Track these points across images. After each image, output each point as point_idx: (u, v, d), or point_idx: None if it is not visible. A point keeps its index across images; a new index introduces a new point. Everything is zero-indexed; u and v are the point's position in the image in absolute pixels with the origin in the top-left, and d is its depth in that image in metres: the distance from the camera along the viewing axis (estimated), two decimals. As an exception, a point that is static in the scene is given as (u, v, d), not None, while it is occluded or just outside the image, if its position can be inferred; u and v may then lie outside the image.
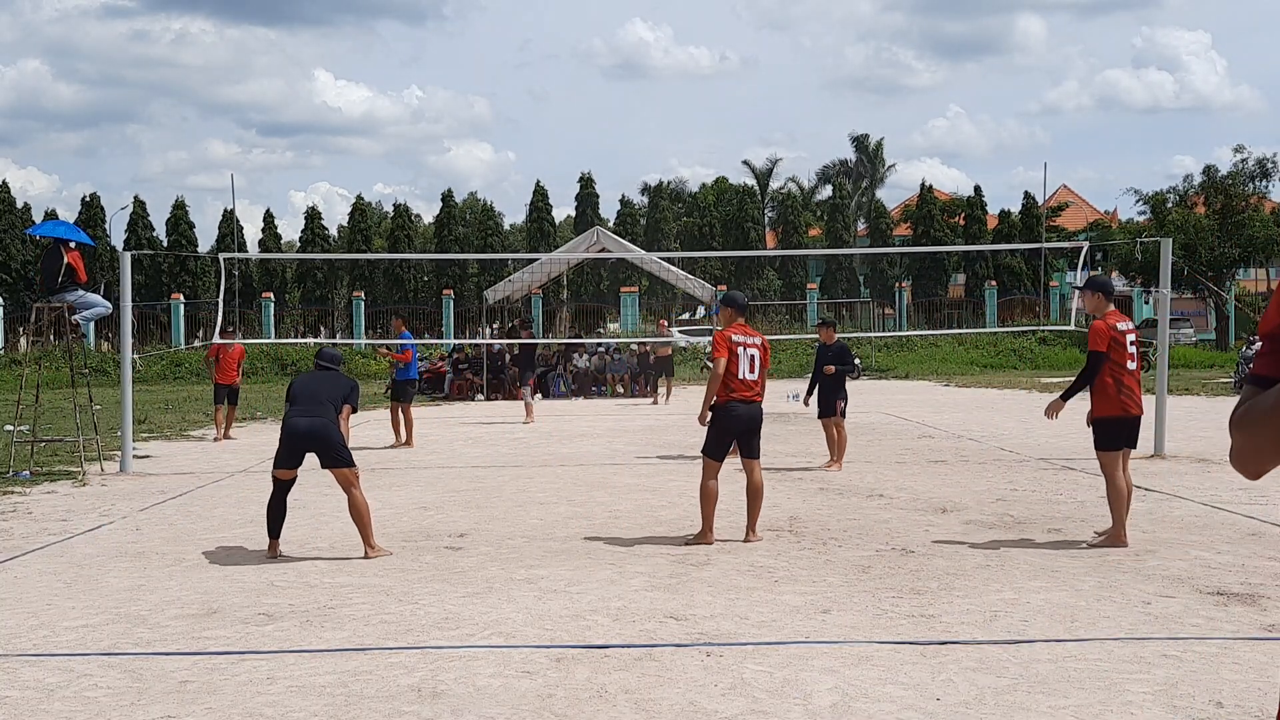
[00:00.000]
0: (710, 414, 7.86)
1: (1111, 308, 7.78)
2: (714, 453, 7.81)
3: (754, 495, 7.91)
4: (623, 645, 5.28)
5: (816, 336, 12.58)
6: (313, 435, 7.35)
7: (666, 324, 28.24)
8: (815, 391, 11.94)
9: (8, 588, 6.66)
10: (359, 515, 7.43)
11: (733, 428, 7.78)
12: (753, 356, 7.77)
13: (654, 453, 13.67)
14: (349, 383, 7.70)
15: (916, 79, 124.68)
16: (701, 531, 7.82)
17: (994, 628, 5.50)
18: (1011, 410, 19.48)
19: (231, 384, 16.47)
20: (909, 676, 4.76)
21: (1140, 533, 7.86)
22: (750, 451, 7.90)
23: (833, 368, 11.68)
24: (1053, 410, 7.83)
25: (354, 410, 7.62)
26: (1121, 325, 7.61)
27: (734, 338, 7.77)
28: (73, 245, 12.32)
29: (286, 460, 7.48)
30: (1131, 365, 7.59)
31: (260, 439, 16.01)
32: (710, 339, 8.12)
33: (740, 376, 7.72)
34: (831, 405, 11.73)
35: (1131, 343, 7.64)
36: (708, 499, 7.79)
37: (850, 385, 12.50)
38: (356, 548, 7.71)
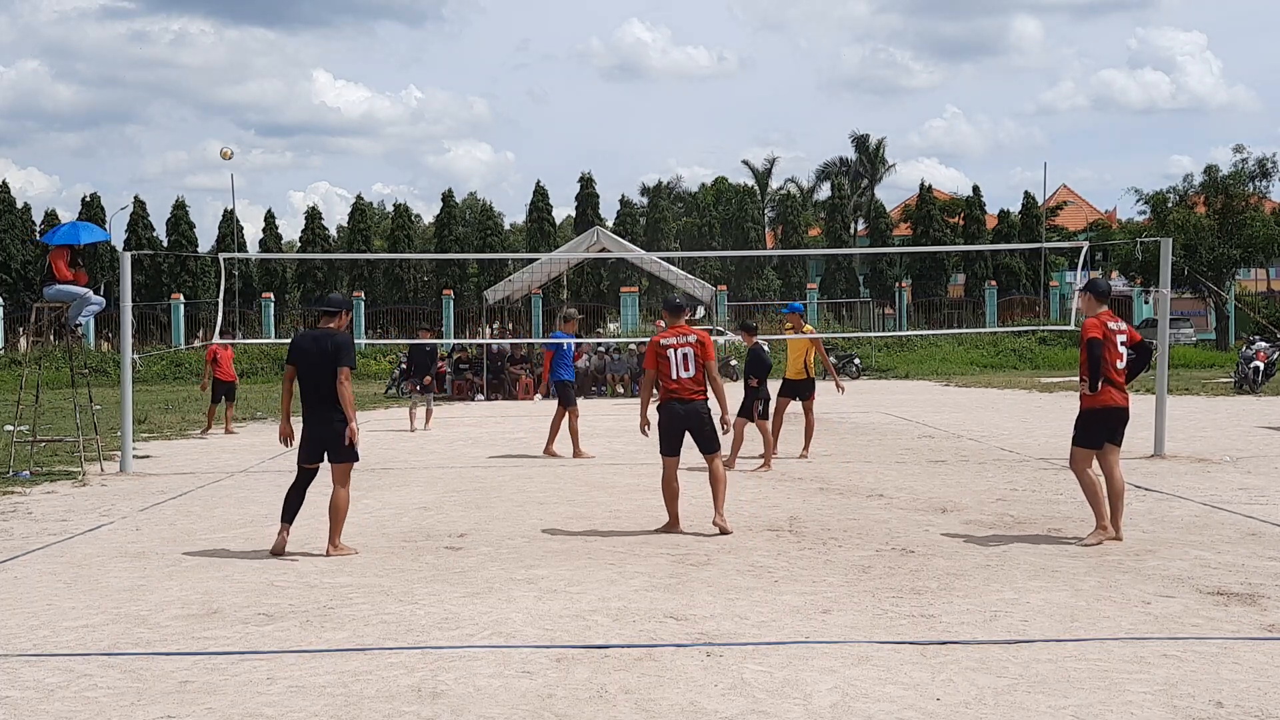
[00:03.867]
0: (657, 415, 8.22)
1: (1104, 308, 7.82)
2: (665, 449, 8.20)
3: (715, 482, 8.22)
4: (623, 645, 5.28)
5: (817, 337, 12.63)
6: (325, 440, 7.53)
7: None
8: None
9: (8, 588, 6.66)
10: (336, 510, 7.55)
11: (674, 426, 8.13)
12: (685, 355, 8.06)
13: (654, 453, 13.66)
14: (336, 342, 7.54)
15: (913, 80, 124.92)
16: (668, 523, 8.20)
17: (994, 628, 5.50)
18: (1011, 410, 19.46)
19: (231, 381, 17.24)
20: (909, 676, 4.76)
21: (1140, 533, 7.86)
22: (704, 448, 8.23)
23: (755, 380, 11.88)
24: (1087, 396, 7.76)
25: (351, 369, 7.56)
26: (1111, 324, 7.70)
27: (662, 341, 8.14)
28: (79, 248, 12.41)
29: (309, 455, 7.64)
30: (1120, 364, 7.66)
31: (260, 439, 16.01)
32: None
33: (674, 377, 8.07)
34: (748, 407, 11.87)
35: (1122, 343, 7.68)
36: (669, 495, 8.22)
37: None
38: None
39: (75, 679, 4.87)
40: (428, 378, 17.62)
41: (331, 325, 7.62)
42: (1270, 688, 4.55)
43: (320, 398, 7.47)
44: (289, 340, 8.02)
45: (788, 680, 4.73)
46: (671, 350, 8.06)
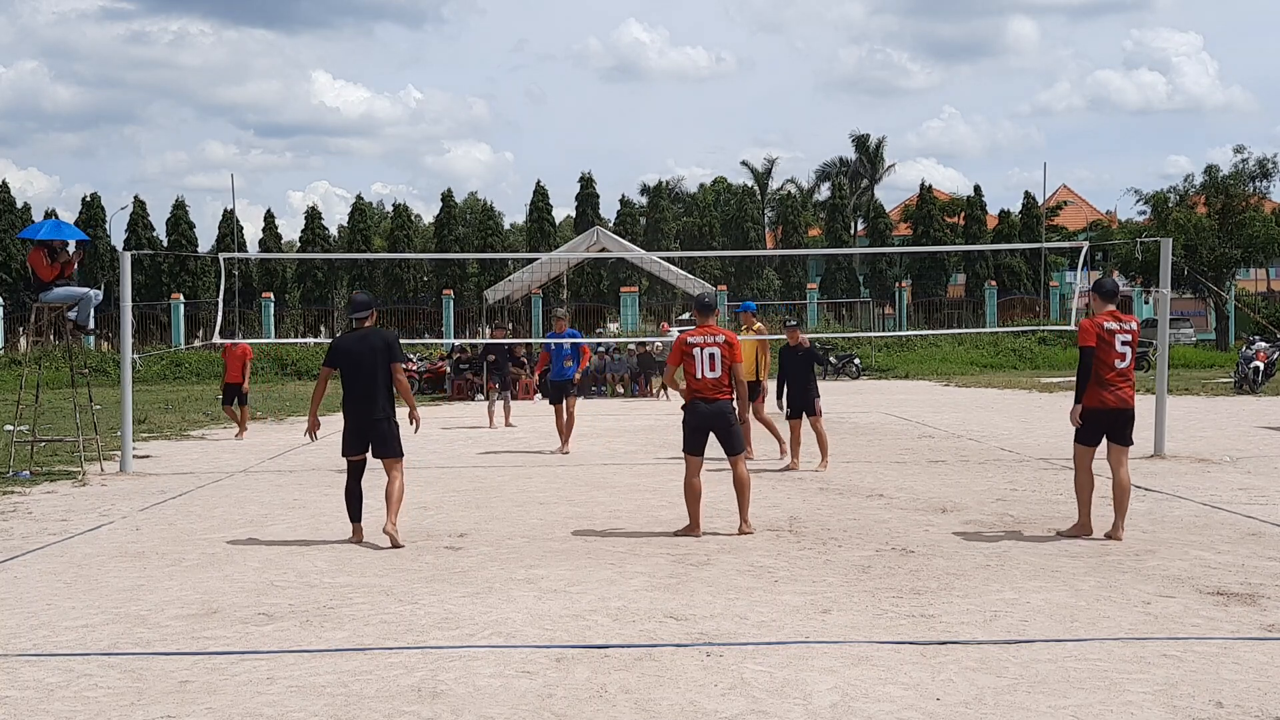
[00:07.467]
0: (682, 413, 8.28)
1: (1110, 307, 7.80)
2: (688, 449, 8.21)
3: (740, 488, 8.21)
4: (623, 645, 5.28)
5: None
6: (367, 431, 7.85)
7: (669, 325, 28.30)
8: (786, 391, 11.96)
9: (8, 588, 6.66)
10: (392, 496, 7.83)
11: (699, 424, 8.13)
12: (712, 355, 8.05)
13: (654, 453, 13.68)
14: (385, 340, 7.90)
15: (910, 80, 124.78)
16: (688, 526, 8.16)
17: (994, 628, 5.50)
18: (1011, 410, 19.46)
19: (236, 384, 16.67)
20: (909, 676, 4.76)
21: (1140, 533, 7.86)
22: (729, 449, 8.19)
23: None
24: (1073, 417, 7.80)
25: (404, 363, 8.01)
26: (1110, 324, 7.65)
27: (689, 340, 8.14)
28: (72, 246, 12.42)
29: (352, 448, 7.94)
30: (1120, 364, 7.62)
31: (262, 439, 16.01)
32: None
33: (699, 376, 8.06)
34: (811, 404, 11.79)
35: (1124, 343, 7.64)
36: (690, 496, 8.15)
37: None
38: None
39: (75, 679, 4.87)
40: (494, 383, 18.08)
41: (367, 324, 7.99)
42: (1270, 688, 4.55)
43: (364, 394, 7.80)
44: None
45: (788, 680, 4.73)
46: (698, 350, 8.04)
